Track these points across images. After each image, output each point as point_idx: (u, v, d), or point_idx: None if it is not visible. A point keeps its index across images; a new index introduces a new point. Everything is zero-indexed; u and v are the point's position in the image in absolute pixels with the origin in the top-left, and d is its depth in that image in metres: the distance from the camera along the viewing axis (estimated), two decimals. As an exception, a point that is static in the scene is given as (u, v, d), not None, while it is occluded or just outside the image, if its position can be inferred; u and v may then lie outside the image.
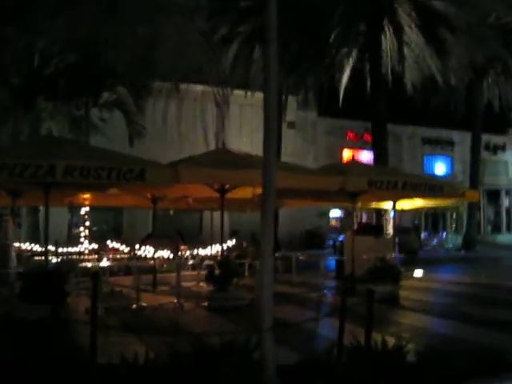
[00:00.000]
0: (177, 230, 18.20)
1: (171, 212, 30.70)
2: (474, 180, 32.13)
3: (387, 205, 17.90)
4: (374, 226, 17.19)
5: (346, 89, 26.45)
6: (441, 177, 37.89)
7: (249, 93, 25.63)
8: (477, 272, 19.69)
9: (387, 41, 21.78)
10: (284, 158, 20.07)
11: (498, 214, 41.84)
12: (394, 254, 19.16)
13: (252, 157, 11.76)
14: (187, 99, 30.09)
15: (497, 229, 41.52)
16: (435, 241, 31.70)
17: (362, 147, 35.10)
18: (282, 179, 10.07)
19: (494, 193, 41.35)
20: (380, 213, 19.44)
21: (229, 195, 13.56)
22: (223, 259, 11.69)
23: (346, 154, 35.15)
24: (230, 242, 19.15)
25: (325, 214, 31.80)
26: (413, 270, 18.61)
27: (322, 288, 13.95)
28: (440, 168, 38.36)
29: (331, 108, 34.36)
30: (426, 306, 11.63)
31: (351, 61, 22.25)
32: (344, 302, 6.14)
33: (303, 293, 14.00)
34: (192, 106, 30.28)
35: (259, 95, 26.57)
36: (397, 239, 28.75)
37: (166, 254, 16.36)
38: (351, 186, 11.90)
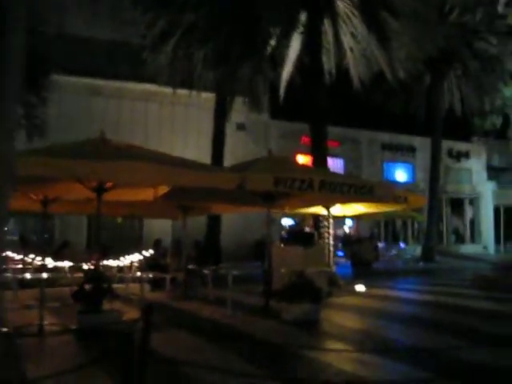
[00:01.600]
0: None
1: (119, 220, 28.62)
2: (434, 187, 30.38)
3: (325, 210, 15.86)
4: (305, 234, 15.00)
5: (297, 89, 24.70)
6: (402, 184, 36.11)
7: (194, 93, 23.47)
8: (427, 286, 17.83)
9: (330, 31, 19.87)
10: (233, 161, 17.99)
11: (461, 223, 40.11)
12: (333, 267, 17.32)
13: (134, 147, 9.60)
14: (126, 98, 28.22)
15: (460, 239, 39.79)
16: (393, 252, 29.71)
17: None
18: (169, 175, 8.42)
19: (458, 201, 39.70)
20: (318, 219, 17.36)
21: (124, 197, 11.47)
22: (92, 272, 9.44)
23: (301, 160, 33.12)
24: (146, 253, 17.06)
25: (274, 222, 29.70)
26: (355, 284, 16.69)
27: (230, 306, 11.76)
28: (401, 175, 36.61)
29: (287, 111, 32.60)
30: (347, 333, 9.50)
31: (294, 54, 20.22)
32: (146, 340, 3.98)
33: (200, 312, 11.82)
34: (132, 106, 28.37)
35: (207, 96, 24.73)
36: (355, 248, 27.64)
37: (65, 264, 14.26)
38: (252, 185, 9.79)
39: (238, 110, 29.20)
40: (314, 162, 17.83)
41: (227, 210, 16.76)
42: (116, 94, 28.22)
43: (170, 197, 11.92)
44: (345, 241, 29.72)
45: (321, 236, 17.41)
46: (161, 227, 28.05)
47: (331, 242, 17.60)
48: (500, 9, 26.35)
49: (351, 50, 20.14)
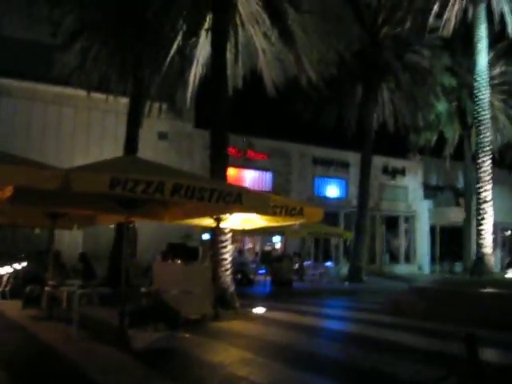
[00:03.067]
0: None
1: (36, 230, 26.67)
2: (363, 204, 29.00)
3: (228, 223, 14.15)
4: (187, 249, 13.28)
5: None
6: (333, 200, 34.78)
7: (111, 97, 21.71)
8: (334, 309, 16.46)
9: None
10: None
11: (396, 242, 38.93)
12: (230, 286, 15.64)
13: None
14: (37, 100, 26.28)
15: (395, 258, 38.56)
16: (318, 271, 28.21)
17: (246, 165, 31.61)
18: None
19: (393, 219, 38.50)
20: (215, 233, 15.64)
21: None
22: None
23: (228, 172, 31.40)
24: (18, 265, 15.26)
25: (190, 237, 27.78)
26: (255, 307, 15.06)
27: (77, 330, 9.98)
28: (332, 191, 35.22)
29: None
30: (198, 372, 7.76)
31: (202, 57, 18.60)
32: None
33: (45, 335, 10.07)
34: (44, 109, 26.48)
35: (126, 101, 22.86)
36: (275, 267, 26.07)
37: None
38: (79, 185, 8.01)
39: (162, 119, 27.56)
40: (213, 173, 16.10)
41: (111, 221, 14.80)
42: (26, 96, 26.21)
43: (20, 200, 10.00)
44: (264, 258, 28.00)
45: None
46: (72, 238, 26.14)
47: (228, 259, 15.91)
48: (431, 20, 25.36)
49: (263, 52, 18.47)
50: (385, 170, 37.51)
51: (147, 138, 27.71)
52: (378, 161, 37.04)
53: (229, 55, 19.18)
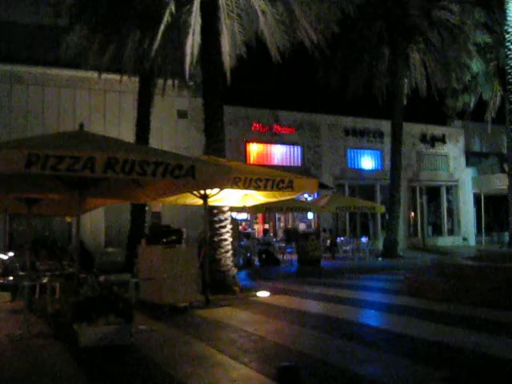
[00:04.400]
0: None
1: (68, 219, 26.10)
2: (395, 175, 27.30)
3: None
4: (169, 231, 12.07)
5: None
6: (369, 171, 33.07)
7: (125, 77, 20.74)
8: (350, 290, 14.82)
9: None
10: (173, 151, 15.19)
11: (438, 213, 36.90)
12: (233, 270, 14.47)
13: None
14: (50, 85, 25.53)
15: (438, 231, 36.58)
16: (349, 247, 26.73)
17: (271, 141, 30.24)
18: None
19: (434, 190, 36.52)
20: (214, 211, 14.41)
21: None
22: None
23: (254, 148, 30.22)
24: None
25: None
26: (260, 290, 13.88)
27: (27, 326, 8.98)
28: (367, 162, 33.49)
29: (236, 95, 29.79)
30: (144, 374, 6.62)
31: (198, 21, 17.22)
32: None
33: None
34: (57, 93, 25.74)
35: (129, 80, 21.83)
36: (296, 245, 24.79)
37: None
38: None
39: (182, 96, 26.57)
40: (208, 147, 14.84)
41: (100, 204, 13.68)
42: (38, 82, 25.45)
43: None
44: (289, 236, 26.65)
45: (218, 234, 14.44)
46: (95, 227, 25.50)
47: (228, 239, 14.71)
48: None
49: (264, 14, 16.99)
50: (423, 139, 35.53)
51: (167, 117, 26.74)
52: (416, 129, 35.21)
53: (228, 21, 17.89)
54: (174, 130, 27.71)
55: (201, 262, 12.51)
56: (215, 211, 14.60)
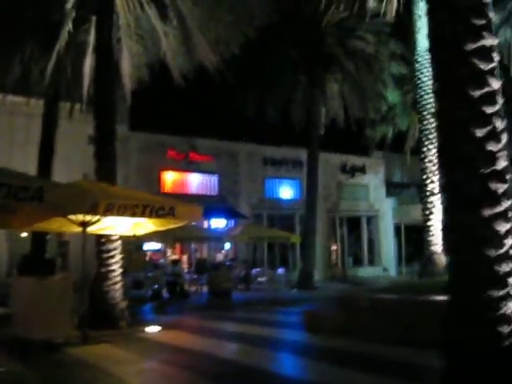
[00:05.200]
0: None
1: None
2: (311, 204, 26.81)
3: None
4: (41, 261, 11.06)
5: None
6: (288, 201, 32.60)
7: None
8: (249, 324, 14.13)
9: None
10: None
11: (359, 244, 36.70)
12: (121, 302, 13.50)
13: None
14: None
15: (358, 261, 36.34)
16: (263, 278, 26.01)
17: (188, 169, 29.41)
18: None
19: (355, 220, 36.34)
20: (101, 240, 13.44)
21: None
22: None
23: (169, 177, 29.32)
24: None
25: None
26: (150, 325, 12.93)
27: None
28: (286, 192, 32.99)
29: (150, 121, 29.00)
30: None
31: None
32: None
33: None
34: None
35: (37, 103, 20.68)
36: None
37: None
38: None
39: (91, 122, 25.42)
40: (99, 171, 13.93)
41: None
42: None
43: None
44: (199, 267, 25.78)
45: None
46: None
47: (117, 270, 13.77)
48: (375, 4, 23.23)
49: (166, 35, 16.32)
50: (343, 169, 35.38)
51: (77, 143, 25.54)
52: (336, 159, 35.07)
53: (129, 42, 17.18)
54: (83, 155, 26.51)
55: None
56: (103, 240, 13.67)
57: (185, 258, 30.83)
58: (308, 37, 26.71)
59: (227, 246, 31.64)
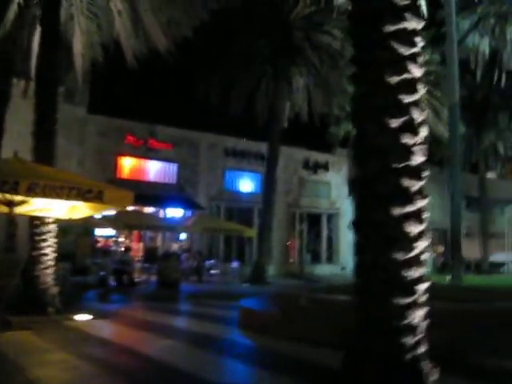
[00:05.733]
0: None
1: None
2: (268, 198, 26.37)
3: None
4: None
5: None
6: (247, 194, 32.14)
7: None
8: (182, 316, 14.05)
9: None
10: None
11: (318, 241, 36.40)
12: (52, 287, 12.92)
13: None
14: None
15: (317, 258, 36.05)
16: (217, 270, 25.55)
17: (146, 156, 28.78)
18: None
19: (315, 217, 36.01)
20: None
21: None
22: None
23: (127, 162, 28.65)
24: None
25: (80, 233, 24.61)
26: (81, 313, 12.34)
27: None
28: (246, 185, 32.51)
29: (110, 106, 28.28)
30: None
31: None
32: None
33: None
34: None
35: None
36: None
37: None
38: None
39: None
40: (36, 151, 13.28)
41: None
42: None
43: None
44: (149, 256, 25.19)
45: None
46: None
47: (49, 254, 13.19)
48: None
49: (119, 14, 15.69)
50: (306, 165, 34.96)
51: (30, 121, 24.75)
52: (299, 154, 34.70)
53: (81, 19, 16.50)
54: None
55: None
56: (37, 222, 13.06)
57: (139, 246, 30.21)
58: (276, 27, 26.20)
59: (183, 236, 31.12)
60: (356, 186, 5.15)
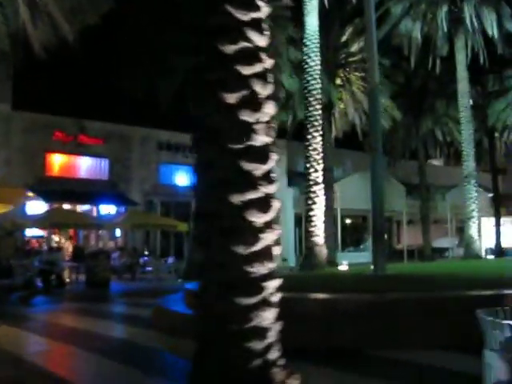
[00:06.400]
0: None
1: None
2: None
3: None
4: None
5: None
6: (184, 188, 31.39)
7: None
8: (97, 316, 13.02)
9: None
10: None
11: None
12: None
13: None
14: None
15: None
16: (151, 267, 24.82)
17: (76, 152, 27.78)
18: None
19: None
20: None
21: None
22: None
23: (56, 159, 27.61)
24: None
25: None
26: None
27: None
28: (182, 179, 31.75)
29: (37, 102, 27.18)
30: None
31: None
32: None
33: None
34: None
35: None
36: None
37: None
38: None
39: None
40: None
41: None
42: None
43: None
44: (77, 254, 24.29)
45: None
46: None
47: None
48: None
49: (23, 2, 14.79)
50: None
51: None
52: (236, 146, 34.03)
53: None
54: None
55: None
56: None
57: (72, 245, 29.25)
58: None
59: (118, 233, 30.27)
60: (196, 172, 4.54)
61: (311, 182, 19.60)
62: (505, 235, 40.96)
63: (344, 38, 31.56)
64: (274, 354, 4.24)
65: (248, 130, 4.22)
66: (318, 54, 20.24)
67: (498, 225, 40.29)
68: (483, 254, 29.36)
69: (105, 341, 10.02)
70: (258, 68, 4.32)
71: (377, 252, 13.62)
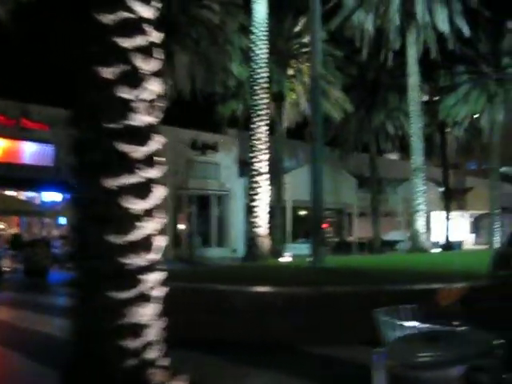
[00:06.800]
0: None
1: None
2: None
3: None
4: None
5: None
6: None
7: None
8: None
9: None
10: None
11: (208, 224, 35.47)
12: None
13: None
14: None
15: (207, 242, 35.11)
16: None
17: (19, 137, 26.90)
18: None
19: (205, 199, 35.05)
20: None
21: None
22: None
23: (-2, 144, 26.74)
24: None
25: None
26: None
27: None
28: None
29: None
30: None
31: None
32: None
33: None
34: None
35: None
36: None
37: None
38: None
39: None
40: None
41: None
42: None
43: None
44: (14, 243, 23.50)
45: None
46: None
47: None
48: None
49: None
50: (193, 145, 33.84)
51: None
52: (186, 134, 33.59)
53: None
54: None
55: None
56: None
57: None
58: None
59: (63, 221, 29.47)
60: (73, 155, 4.15)
61: (254, 173, 19.35)
62: (454, 229, 41.42)
63: (297, 29, 31.28)
64: (153, 353, 3.91)
65: (125, 107, 3.85)
66: (266, 42, 19.94)
67: (447, 219, 40.70)
68: (431, 247, 29.41)
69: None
70: (139, 41, 3.94)
71: (315, 244, 13.37)
